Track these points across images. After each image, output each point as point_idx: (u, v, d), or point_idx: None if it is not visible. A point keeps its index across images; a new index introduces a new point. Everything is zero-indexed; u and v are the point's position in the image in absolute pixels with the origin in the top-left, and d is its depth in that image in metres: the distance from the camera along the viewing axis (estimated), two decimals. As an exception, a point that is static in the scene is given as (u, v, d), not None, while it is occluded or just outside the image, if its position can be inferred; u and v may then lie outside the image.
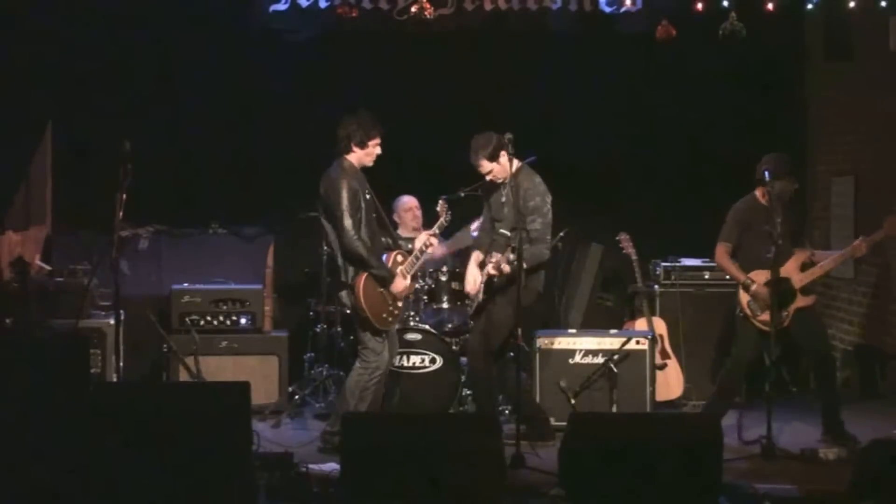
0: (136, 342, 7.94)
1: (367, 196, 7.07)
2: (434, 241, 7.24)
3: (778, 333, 7.10)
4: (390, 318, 7.08)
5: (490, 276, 7.18)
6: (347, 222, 6.89)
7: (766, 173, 7.19)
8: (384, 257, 7.11)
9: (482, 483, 5.40)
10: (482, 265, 7.26)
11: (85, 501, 5.25)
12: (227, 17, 8.69)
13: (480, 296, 7.29)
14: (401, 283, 7.06)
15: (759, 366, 7.37)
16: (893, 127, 8.63)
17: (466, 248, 7.87)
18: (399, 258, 7.17)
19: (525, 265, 6.94)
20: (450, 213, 7.33)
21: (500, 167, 7.15)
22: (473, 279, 7.30)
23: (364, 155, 7.05)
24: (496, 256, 7.04)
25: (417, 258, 7.19)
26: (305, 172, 7.45)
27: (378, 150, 7.07)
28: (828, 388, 7.39)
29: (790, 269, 7.26)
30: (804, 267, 7.33)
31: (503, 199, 7.18)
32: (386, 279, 7.00)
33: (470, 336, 7.54)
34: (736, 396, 7.73)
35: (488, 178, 7.17)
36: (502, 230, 7.20)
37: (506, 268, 6.99)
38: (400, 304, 7.16)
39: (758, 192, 7.40)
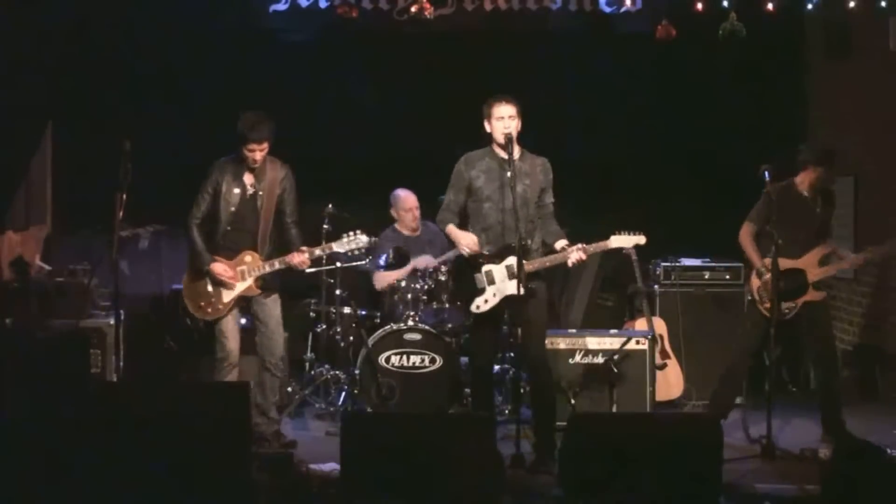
0: (136, 342, 7.95)
1: (252, 191, 7.03)
2: (307, 262, 7.04)
3: (783, 326, 7.08)
4: (209, 309, 7.04)
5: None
6: (193, 207, 7.01)
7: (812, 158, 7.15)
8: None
9: (481, 483, 5.41)
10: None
11: (85, 501, 5.25)
12: (227, 18, 8.70)
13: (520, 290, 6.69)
14: (219, 267, 6.97)
15: (760, 365, 7.37)
16: (893, 127, 8.62)
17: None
18: (248, 258, 7.04)
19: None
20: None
21: (518, 123, 6.77)
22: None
23: (243, 154, 7.00)
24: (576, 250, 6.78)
25: (273, 267, 7.02)
26: (305, 172, 7.43)
27: (252, 155, 6.96)
28: (829, 388, 7.37)
29: (809, 262, 7.22)
30: (822, 262, 7.31)
31: (509, 175, 6.66)
32: (195, 267, 7.00)
33: (524, 347, 6.95)
34: (741, 387, 7.72)
35: (506, 125, 6.72)
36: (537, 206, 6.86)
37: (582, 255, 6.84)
38: (225, 298, 7.03)
39: (797, 178, 7.27)
